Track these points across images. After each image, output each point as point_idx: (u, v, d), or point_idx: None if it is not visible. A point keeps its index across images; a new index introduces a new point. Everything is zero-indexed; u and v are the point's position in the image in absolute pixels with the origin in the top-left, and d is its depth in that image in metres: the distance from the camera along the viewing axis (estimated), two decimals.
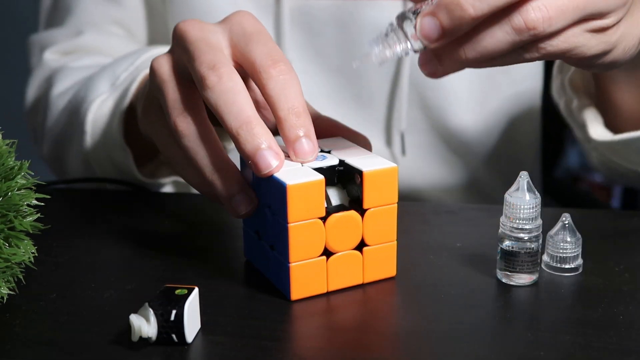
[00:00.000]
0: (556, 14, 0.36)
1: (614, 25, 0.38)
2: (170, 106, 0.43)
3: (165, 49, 0.57)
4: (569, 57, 0.38)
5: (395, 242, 0.44)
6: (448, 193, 0.69)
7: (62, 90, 0.63)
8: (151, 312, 0.37)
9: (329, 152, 0.44)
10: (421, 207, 0.55)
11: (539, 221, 0.43)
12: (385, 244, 0.43)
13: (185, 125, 0.42)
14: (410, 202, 0.55)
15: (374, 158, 0.43)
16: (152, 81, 0.44)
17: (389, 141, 0.67)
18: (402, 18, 0.36)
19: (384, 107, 0.67)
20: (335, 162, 0.43)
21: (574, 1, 0.36)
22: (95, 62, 0.66)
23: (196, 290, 0.39)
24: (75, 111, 0.59)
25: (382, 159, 0.43)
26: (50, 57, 0.68)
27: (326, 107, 0.67)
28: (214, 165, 0.42)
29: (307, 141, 0.40)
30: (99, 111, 0.57)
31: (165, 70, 0.43)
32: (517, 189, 0.42)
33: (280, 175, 0.40)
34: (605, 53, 0.39)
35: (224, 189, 0.42)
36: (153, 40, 0.71)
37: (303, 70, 0.66)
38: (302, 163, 0.40)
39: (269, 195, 0.41)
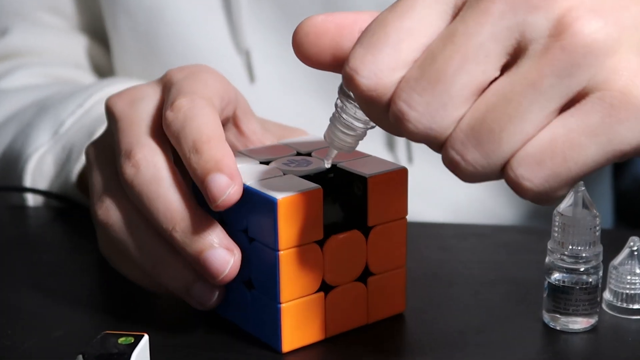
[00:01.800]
0: (479, 161, 0.33)
1: (590, 92, 0.32)
2: (92, 194, 0.45)
3: (125, 84, 0.58)
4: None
5: (405, 268, 0.44)
6: (477, 211, 0.69)
7: None
8: None
9: (309, 154, 0.45)
10: (441, 229, 0.55)
11: (599, 247, 0.43)
12: (394, 271, 0.44)
13: (106, 214, 0.44)
14: (426, 223, 0.56)
15: (373, 159, 0.44)
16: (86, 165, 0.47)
17: (390, 144, 0.67)
18: (342, 91, 0.38)
19: None
20: (324, 166, 0.43)
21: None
22: (33, 81, 0.66)
23: (146, 338, 0.39)
24: (13, 164, 0.60)
25: (384, 160, 0.43)
26: None
27: (310, 103, 0.67)
28: (152, 256, 0.43)
29: (217, 176, 0.40)
30: (39, 169, 0.59)
31: (92, 153, 0.47)
32: (571, 205, 0.42)
33: (262, 186, 0.40)
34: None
35: (173, 282, 0.43)
36: (91, 28, 0.71)
37: (281, 60, 0.66)
38: (221, 202, 0.40)
39: (247, 214, 0.41)
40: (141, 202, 0.42)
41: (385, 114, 0.33)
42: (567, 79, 0.31)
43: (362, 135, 0.39)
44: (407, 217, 0.44)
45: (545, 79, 0.31)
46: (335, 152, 0.40)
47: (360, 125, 0.38)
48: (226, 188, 0.39)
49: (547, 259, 0.43)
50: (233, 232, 0.42)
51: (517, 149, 0.32)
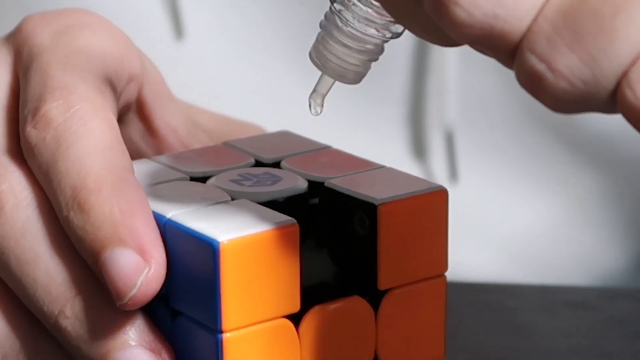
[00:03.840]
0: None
1: None
2: None
3: None
4: None
5: None
6: (566, 255, 0.66)
7: None
8: None
9: (277, 164, 0.44)
10: (508, 293, 0.55)
11: None
12: None
13: None
14: (481, 284, 0.56)
15: (389, 173, 0.43)
16: None
17: (420, 146, 0.66)
18: None
19: (407, 77, 0.66)
20: (302, 186, 0.42)
21: None
22: None
23: None
24: None
25: (408, 174, 0.43)
26: None
27: (277, 73, 0.66)
28: (8, 344, 0.42)
29: (118, 253, 0.38)
30: None
31: None
32: None
33: (194, 220, 0.39)
34: None
35: None
36: None
37: (228, 1, 0.67)
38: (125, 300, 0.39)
39: (173, 272, 0.40)
40: (6, 267, 0.41)
41: (415, 1, 0.33)
42: None
43: (376, 52, 0.38)
44: (446, 273, 0.42)
45: None
46: (330, 82, 0.39)
47: (374, 31, 0.37)
48: (135, 274, 0.38)
49: None
50: (153, 302, 0.40)
51: None
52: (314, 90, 0.39)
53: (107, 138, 0.41)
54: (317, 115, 0.40)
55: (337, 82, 0.39)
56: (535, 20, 0.31)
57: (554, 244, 0.67)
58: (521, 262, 0.67)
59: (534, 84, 0.32)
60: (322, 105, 0.39)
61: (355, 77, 0.38)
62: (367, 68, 0.38)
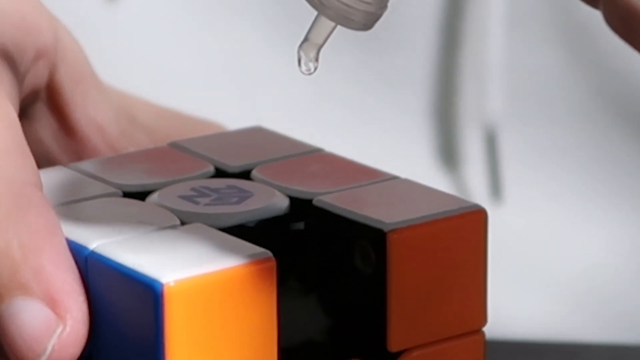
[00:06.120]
0: None
1: None
2: None
3: None
4: None
5: None
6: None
7: None
8: None
9: (247, 174, 0.44)
10: (576, 357, 0.59)
11: None
12: None
13: None
14: (533, 343, 0.58)
15: (406, 188, 0.44)
16: None
17: (448, 152, 0.68)
18: None
19: (434, 52, 0.68)
20: (282, 205, 0.42)
21: None
22: None
23: None
24: None
25: (433, 189, 0.44)
26: None
27: (244, 46, 0.67)
28: None
29: (21, 304, 0.39)
30: None
31: None
32: None
33: (130, 253, 0.39)
34: None
35: None
36: None
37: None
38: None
39: (98, 326, 0.40)
40: None
41: None
42: None
43: None
44: (485, 327, 0.43)
45: None
46: (329, 26, 0.39)
47: None
48: (44, 336, 0.38)
49: None
50: None
51: None
52: (306, 39, 0.39)
53: (1, 139, 0.41)
54: (310, 73, 0.39)
55: (338, 28, 0.39)
56: None
57: (636, 286, 0.67)
58: (590, 312, 0.67)
59: (629, 27, 0.33)
60: (317, 60, 0.39)
61: (366, 20, 0.38)
62: (382, 8, 0.38)
